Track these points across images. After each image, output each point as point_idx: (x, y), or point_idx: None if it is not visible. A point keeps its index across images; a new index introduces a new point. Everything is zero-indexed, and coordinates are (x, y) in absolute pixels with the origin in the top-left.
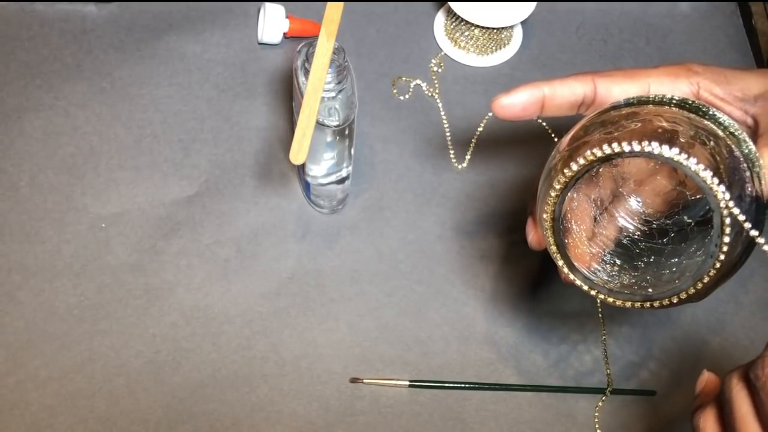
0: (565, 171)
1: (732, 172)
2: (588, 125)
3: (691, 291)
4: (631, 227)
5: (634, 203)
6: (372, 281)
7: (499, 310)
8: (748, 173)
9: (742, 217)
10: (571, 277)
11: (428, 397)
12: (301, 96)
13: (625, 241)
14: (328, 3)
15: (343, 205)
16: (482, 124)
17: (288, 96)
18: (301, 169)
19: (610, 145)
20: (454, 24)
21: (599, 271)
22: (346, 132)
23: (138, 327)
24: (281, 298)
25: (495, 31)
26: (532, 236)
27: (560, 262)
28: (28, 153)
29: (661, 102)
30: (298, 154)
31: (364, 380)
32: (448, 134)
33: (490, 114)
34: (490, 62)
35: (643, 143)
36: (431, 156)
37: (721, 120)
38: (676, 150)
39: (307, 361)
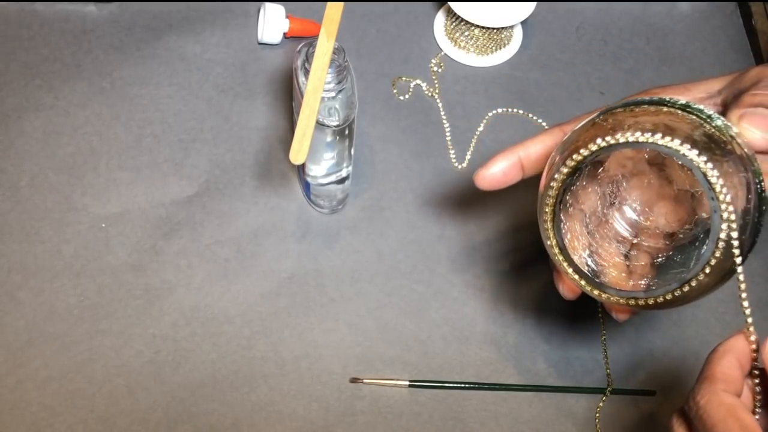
0: (551, 185)
1: (710, 140)
2: (560, 146)
3: (718, 254)
4: (661, 247)
5: (652, 225)
6: (372, 281)
7: (499, 310)
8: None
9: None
10: (614, 298)
11: (428, 397)
12: (301, 96)
13: (659, 262)
14: (328, 3)
15: (343, 205)
16: (482, 124)
17: (288, 96)
18: (301, 169)
19: (582, 150)
20: (454, 24)
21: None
22: (346, 132)
23: (138, 327)
24: (281, 298)
25: (495, 31)
26: (562, 287)
27: (596, 292)
28: (28, 153)
29: (635, 103)
30: (298, 154)
31: (364, 380)
32: (448, 134)
33: (491, 114)
34: (490, 62)
35: (617, 136)
36: (431, 156)
37: (699, 109)
38: (658, 135)
39: (307, 361)
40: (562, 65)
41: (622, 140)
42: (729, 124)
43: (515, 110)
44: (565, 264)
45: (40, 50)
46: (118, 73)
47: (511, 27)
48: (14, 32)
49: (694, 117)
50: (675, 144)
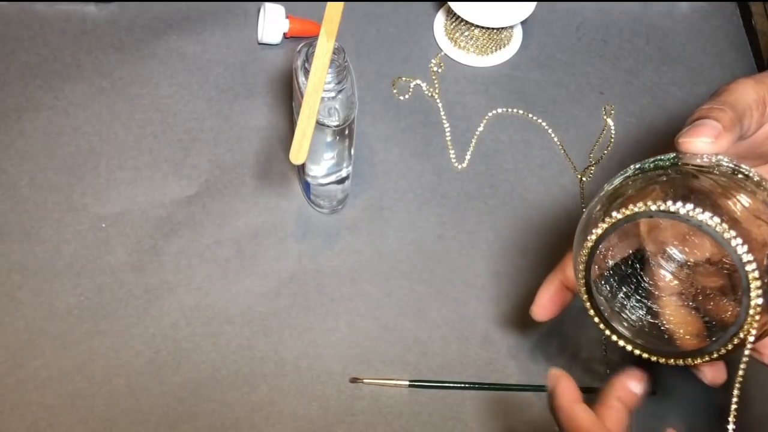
0: (580, 290)
1: (676, 176)
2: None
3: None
4: (723, 282)
5: (701, 257)
6: (372, 281)
7: (499, 310)
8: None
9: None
10: (689, 361)
11: (428, 397)
12: (301, 96)
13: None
14: (328, 3)
15: (343, 205)
16: (482, 124)
17: (288, 96)
18: (301, 169)
19: (605, 217)
20: (454, 24)
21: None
22: (346, 132)
23: (138, 327)
24: (281, 298)
25: (495, 31)
26: (707, 373)
27: (680, 361)
28: (28, 153)
29: (612, 194)
30: (298, 154)
31: (364, 380)
32: (448, 134)
33: (490, 114)
34: (490, 62)
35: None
36: (431, 156)
37: (651, 163)
38: (622, 209)
39: (307, 361)
40: (562, 65)
41: (600, 231)
42: (675, 153)
43: (515, 110)
44: (637, 351)
45: (40, 50)
46: (118, 73)
47: (511, 27)
48: (14, 32)
49: (653, 169)
50: (638, 208)
